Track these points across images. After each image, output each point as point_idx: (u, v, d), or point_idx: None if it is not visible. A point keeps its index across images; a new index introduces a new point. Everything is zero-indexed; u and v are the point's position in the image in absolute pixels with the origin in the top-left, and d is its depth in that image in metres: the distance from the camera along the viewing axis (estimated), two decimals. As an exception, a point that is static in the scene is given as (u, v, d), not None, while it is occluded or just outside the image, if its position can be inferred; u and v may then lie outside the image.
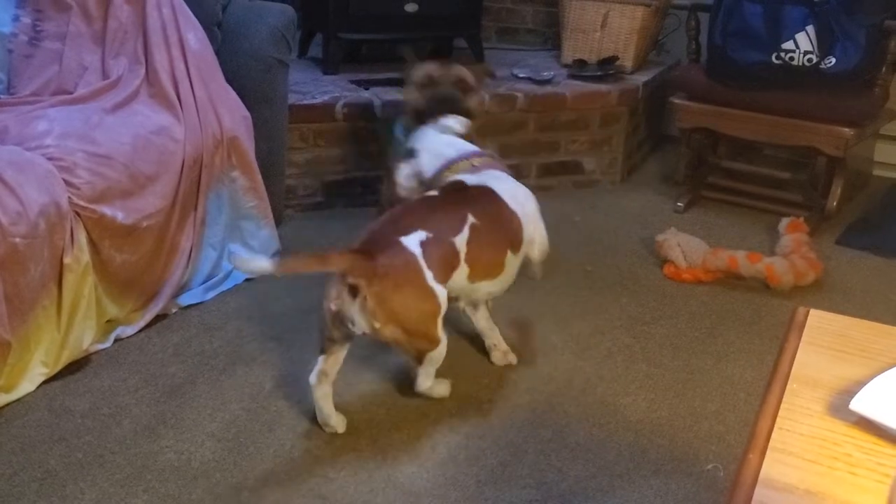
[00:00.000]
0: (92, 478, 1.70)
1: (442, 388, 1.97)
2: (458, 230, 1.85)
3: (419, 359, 1.86)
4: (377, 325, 1.72)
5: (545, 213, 3.13)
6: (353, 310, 1.72)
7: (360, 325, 1.73)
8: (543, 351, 2.22)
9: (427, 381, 1.92)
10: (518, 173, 3.28)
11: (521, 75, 3.35)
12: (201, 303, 2.37)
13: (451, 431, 1.89)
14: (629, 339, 2.29)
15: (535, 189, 3.33)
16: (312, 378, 1.83)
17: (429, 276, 1.76)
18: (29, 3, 2.43)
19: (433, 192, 1.98)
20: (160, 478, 1.71)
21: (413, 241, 1.77)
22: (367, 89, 3.14)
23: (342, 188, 3.08)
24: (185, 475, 1.72)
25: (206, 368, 2.08)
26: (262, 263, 1.69)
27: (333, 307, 1.74)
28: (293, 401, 1.96)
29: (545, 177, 3.33)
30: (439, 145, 2.19)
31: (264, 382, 2.03)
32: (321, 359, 1.82)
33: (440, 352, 1.85)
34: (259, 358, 2.13)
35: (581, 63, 3.40)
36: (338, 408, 1.87)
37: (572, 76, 3.38)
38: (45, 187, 1.92)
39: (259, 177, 2.48)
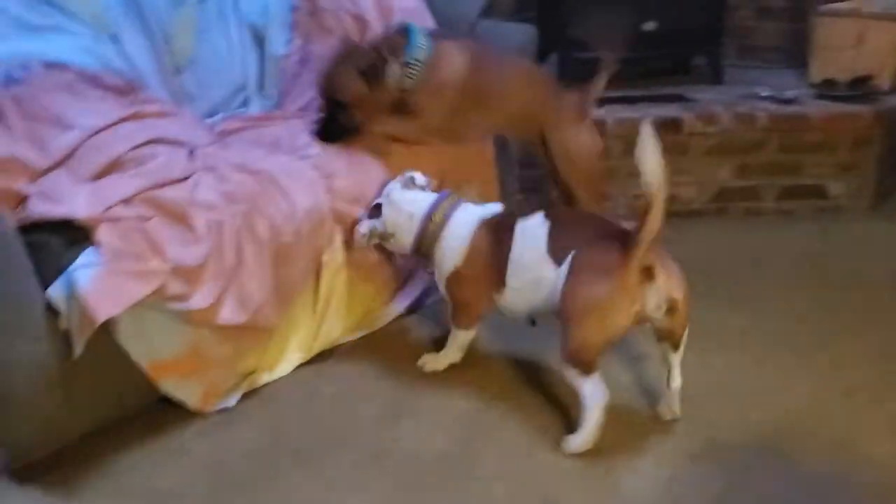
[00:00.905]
0: (337, 457, 1.87)
1: (679, 405, 1.97)
2: None
3: (682, 339, 1.88)
4: (676, 295, 1.79)
5: (784, 238, 3.01)
6: (652, 294, 1.76)
7: (661, 307, 1.78)
8: (778, 380, 2.13)
9: (679, 376, 1.93)
10: (755, 195, 3.19)
11: (763, 94, 3.24)
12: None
13: (676, 450, 1.87)
14: (874, 376, 2.14)
15: (773, 213, 3.23)
16: (603, 396, 1.82)
17: None
18: (300, 28, 2.71)
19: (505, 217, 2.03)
20: (397, 462, 1.85)
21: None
22: (600, 107, 3.17)
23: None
24: (420, 462, 1.85)
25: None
26: None
27: (637, 307, 1.76)
28: (521, 402, 2.04)
29: (784, 200, 3.19)
30: (407, 206, 2.11)
31: (495, 382, 2.12)
32: (598, 377, 1.82)
33: None
34: (495, 361, 2.22)
35: (830, 82, 3.23)
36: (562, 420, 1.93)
37: (820, 96, 3.21)
38: (311, 192, 2.13)
39: (496, 191, 2.58)
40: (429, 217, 2.07)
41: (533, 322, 2.07)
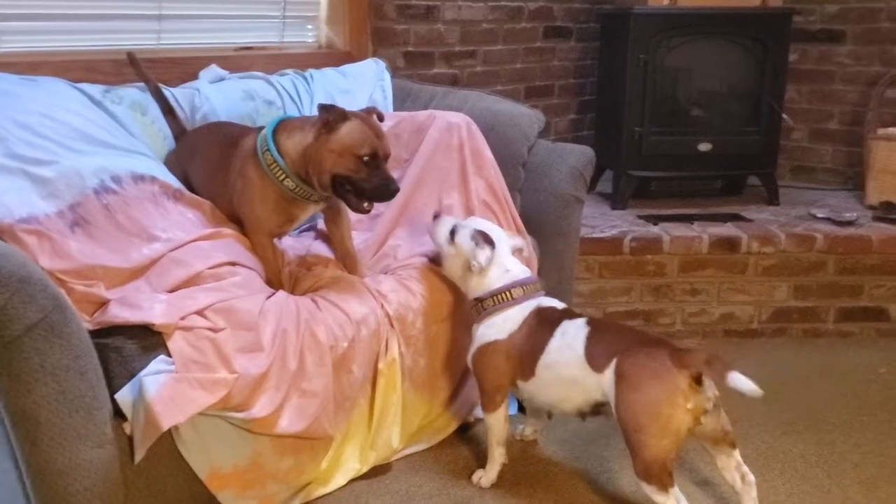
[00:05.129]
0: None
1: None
2: None
3: (733, 434, 1.91)
4: (717, 391, 1.83)
5: (844, 361, 2.95)
6: (704, 393, 1.81)
7: (710, 401, 1.82)
8: (844, 511, 2.06)
9: (750, 471, 1.95)
10: (814, 316, 3.15)
11: (819, 215, 3.24)
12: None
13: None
14: (948, 511, 2.05)
15: (832, 335, 3.17)
16: None
17: None
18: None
19: (582, 318, 2.04)
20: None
21: None
22: (655, 224, 3.21)
23: (623, 319, 3.13)
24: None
25: (494, 485, 2.16)
26: None
27: (690, 405, 1.78)
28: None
29: (844, 322, 3.14)
30: (507, 262, 2.14)
31: (555, 499, 2.09)
32: (677, 491, 1.81)
33: None
34: (541, 481, 2.19)
35: (889, 205, 3.23)
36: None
37: (878, 218, 3.21)
38: (364, 301, 2.17)
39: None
40: (518, 285, 2.11)
41: (583, 417, 2.07)
